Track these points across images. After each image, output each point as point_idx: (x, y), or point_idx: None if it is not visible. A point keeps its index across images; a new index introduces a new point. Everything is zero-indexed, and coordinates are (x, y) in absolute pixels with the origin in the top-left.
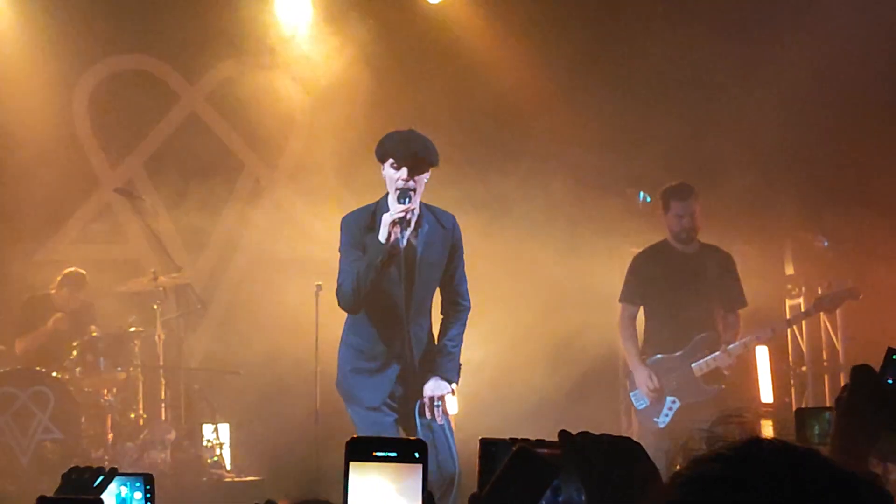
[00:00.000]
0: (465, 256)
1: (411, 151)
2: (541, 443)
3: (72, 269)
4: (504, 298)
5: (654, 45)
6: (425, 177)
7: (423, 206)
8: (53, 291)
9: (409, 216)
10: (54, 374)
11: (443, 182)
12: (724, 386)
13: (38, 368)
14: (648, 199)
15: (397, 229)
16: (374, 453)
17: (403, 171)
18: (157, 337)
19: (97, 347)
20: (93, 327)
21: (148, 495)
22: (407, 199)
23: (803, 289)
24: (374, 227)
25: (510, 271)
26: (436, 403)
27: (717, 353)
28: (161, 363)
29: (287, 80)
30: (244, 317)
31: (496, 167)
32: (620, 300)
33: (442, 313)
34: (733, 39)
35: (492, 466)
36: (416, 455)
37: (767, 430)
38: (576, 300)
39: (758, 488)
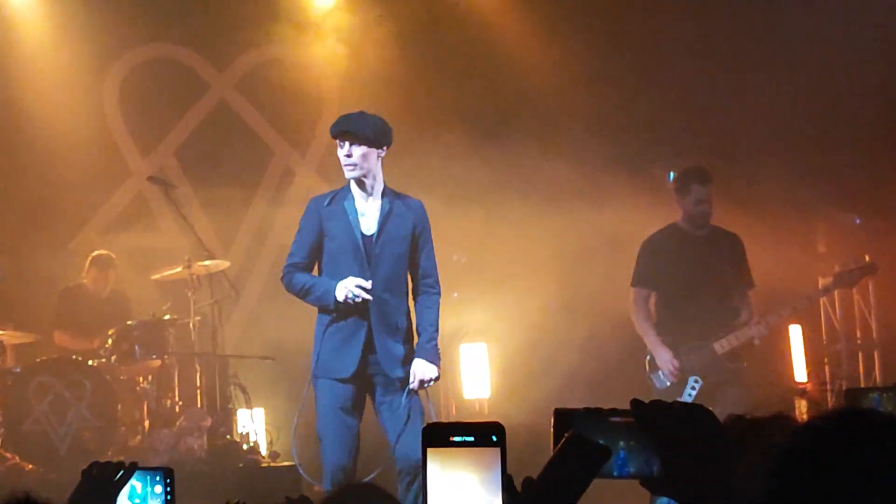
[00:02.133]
0: (495, 241)
1: (344, 126)
2: (614, 411)
3: (99, 251)
4: (531, 281)
5: (680, 22)
6: (369, 151)
7: (390, 190)
8: (85, 280)
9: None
10: (90, 362)
11: (469, 162)
12: (746, 363)
13: (74, 357)
14: None
15: (351, 297)
16: (452, 438)
17: (346, 147)
18: (191, 324)
19: (132, 336)
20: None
21: (168, 489)
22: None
23: (836, 267)
24: (333, 206)
25: (535, 254)
26: (426, 385)
27: (737, 331)
28: (196, 350)
29: (315, 66)
30: (277, 303)
31: (522, 147)
32: (632, 284)
33: (414, 299)
34: (763, 15)
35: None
36: (494, 438)
37: (802, 408)
38: (603, 281)
39: (864, 452)
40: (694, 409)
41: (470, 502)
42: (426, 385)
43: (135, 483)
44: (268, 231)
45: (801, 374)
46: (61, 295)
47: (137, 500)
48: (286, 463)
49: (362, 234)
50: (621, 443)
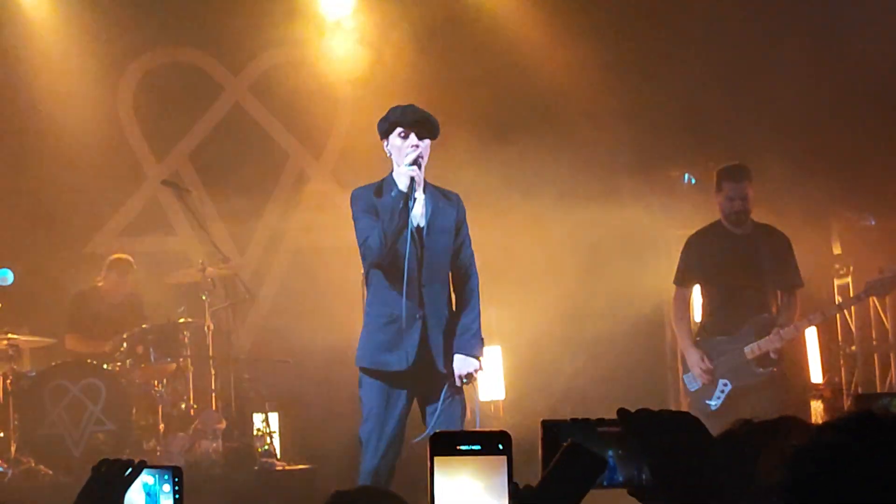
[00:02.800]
0: (505, 242)
1: (417, 117)
2: (601, 421)
3: (117, 255)
4: (548, 283)
5: (695, 24)
6: (429, 143)
7: (429, 184)
8: (101, 283)
9: (420, 180)
10: (105, 366)
11: (486, 164)
12: (775, 369)
13: (89, 361)
14: (693, 182)
15: (417, 174)
16: (458, 447)
17: (412, 138)
18: (206, 327)
19: (147, 339)
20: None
21: (176, 487)
22: (418, 166)
23: (851, 268)
24: (381, 195)
25: (552, 256)
26: (464, 381)
27: (768, 336)
28: (210, 353)
29: (330, 69)
30: (291, 306)
31: (535, 149)
32: (674, 282)
33: (455, 291)
34: (776, 13)
35: (554, 448)
36: (500, 447)
37: (818, 409)
38: (620, 283)
39: (879, 455)
40: (681, 416)
41: None
42: (466, 381)
43: (146, 478)
44: (283, 234)
45: (816, 375)
46: (75, 298)
47: (148, 495)
48: (301, 466)
49: (415, 225)
50: (610, 452)
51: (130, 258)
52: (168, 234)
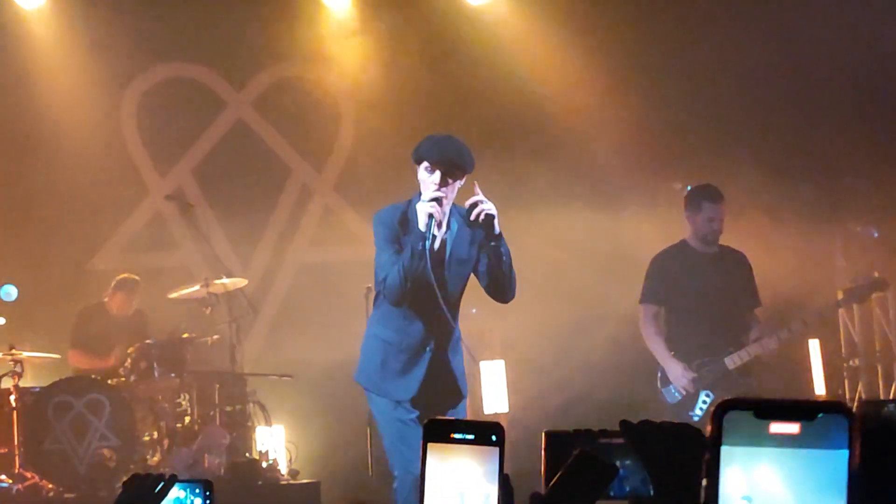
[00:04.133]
0: (513, 256)
1: (445, 156)
2: (603, 433)
3: (125, 274)
4: (549, 297)
5: (698, 35)
6: (458, 183)
7: (453, 207)
8: (106, 300)
9: (440, 216)
10: (109, 381)
11: (488, 177)
12: (755, 381)
13: (93, 376)
14: None
15: (437, 211)
16: (452, 435)
17: (437, 175)
18: (209, 342)
19: (151, 354)
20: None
21: (208, 501)
22: (437, 202)
23: (855, 279)
24: (407, 224)
25: (554, 269)
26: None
27: (748, 346)
28: (214, 368)
29: (332, 85)
30: (295, 321)
31: (538, 165)
32: (641, 301)
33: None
34: (777, 31)
35: (556, 459)
36: (494, 438)
37: None
38: (623, 295)
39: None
40: (683, 428)
41: (466, 492)
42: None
43: (177, 493)
44: (286, 249)
45: (819, 387)
46: (79, 315)
47: None
48: (306, 480)
49: (434, 259)
50: (616, 463)
51: (137, 277)
52: (171, 250)
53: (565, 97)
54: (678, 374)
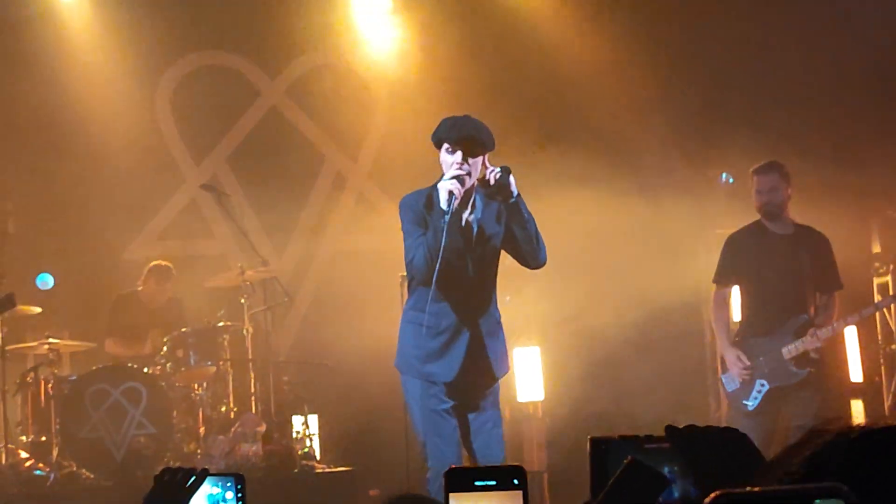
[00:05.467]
0: (548, 243)
1: (463, 134)
2: (649, 438)
3: (158, 261)
4: (585, 284)
5: (733, 17)
6: (480, 160)
7: (476, 187)
8: (140, 288)
9: (460, 193)
10: (146, 369)
11: (523, 165)
12: (812, 370)
13: (129, 364)
14: (731, 181)
15: (457, 188)
16: (474, 482)
17: (458, 155)
18: (245, 331)
19: (187, 342)
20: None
21: (239, 495)
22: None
23: (891, 266)
24: (432, 207)
25: (590, 257)
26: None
27: (805, 337)
28: (250, 356)
29: (365, 72)
30: (330, 308)
31: (573, 149)
32: (714, 281)
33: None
34: (815, 15)
35: (603, 465)
36: (516, 482)
37: (858, 408)
38: (659, 283)
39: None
40: (728, 433)
41: None
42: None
43: (211, 489)
44: (320, 237)
45: (856, 375)
46: (115, 303)
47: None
48: (341, 468)
49: (464, 237)
50: (665, 468)
51: (170, 265)
52: (207, 238)
53: (601, 81)
54: (732, 361)
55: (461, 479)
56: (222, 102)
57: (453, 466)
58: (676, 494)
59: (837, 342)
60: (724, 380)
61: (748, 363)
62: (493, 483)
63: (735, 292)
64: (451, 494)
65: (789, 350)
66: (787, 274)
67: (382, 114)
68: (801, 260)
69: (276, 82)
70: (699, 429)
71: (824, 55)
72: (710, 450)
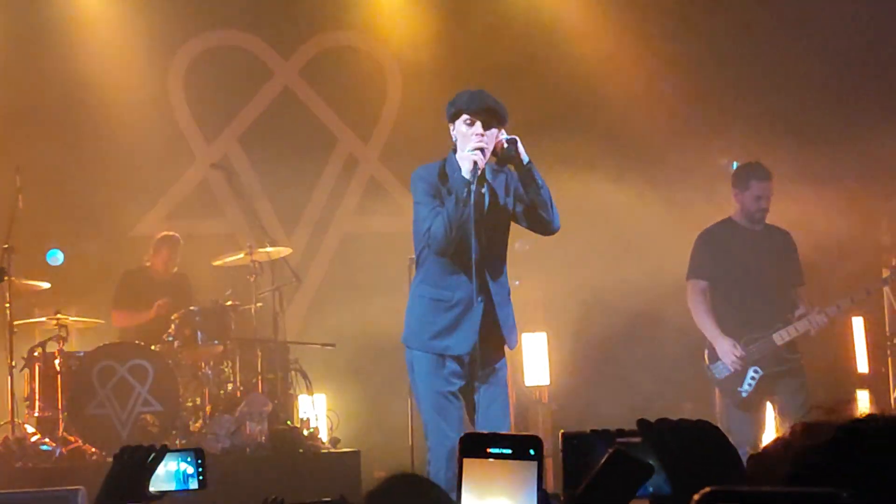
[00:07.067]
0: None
1: (484, 105)
2: (621, 432)
3: (165, 232)
4: (593, 270)
5: (747, 9)
6: (494, 133)
7: (488, 163)
8: (148, 264)
9: (483, 164)
10: (153, 347)
11: (533, 150)
12: (802, 356)
13: (136, 342)
14: None
15: (480, 159)
16: (488, 450)
17: (478, 126)
18: (253, 310)
19: (195, 321)
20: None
21: (200, 469)
22: (481, 151)
23: (893, 260)
24: (446, 179)
25: (598, 243)
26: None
27: (796, 322)
28: (257, 336)
29: (379, 54)
30: (338, 290)
31: (585, 137)
32: (688, 277)
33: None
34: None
35: (574, 460)
36: (532, 452)
37: (864, 399)
38: (666, 269)
39: (869, 454)
40: (701, 426)
41: None
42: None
43: (170, 463)
44: (330, 218)
45: (862, 365)
46: (123, 277)
47: (174, 478)
48: (346, 449)
49: (477, 207)
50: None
51: (178, 235)
52: (216, 217)
53: (611, 68)
54: (726, 350)
55: (475, 445)
56: (235, 82)
57: (470, 432)
58: (650, 490)
59: (845, 333)
60: (712, 369)
61: (743, 352)
62: (509, 452)
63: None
64: (464, 459)
65: (781, 336)
66: (760, 268)
67: (395, 96)
68: (771, 255)
69: (289, 63)
70: (671, 422)
71: (833, 42)
72: (682, 444)
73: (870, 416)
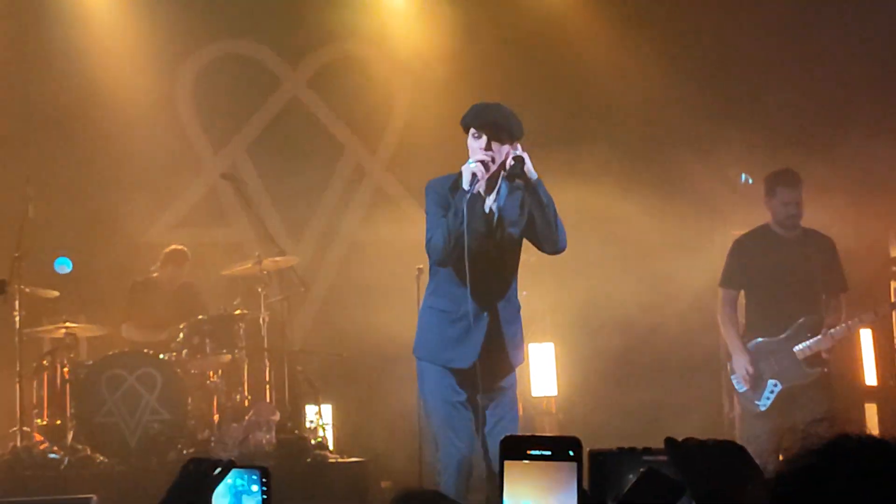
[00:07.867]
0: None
1: (490, 120)
2: (648, 450)
3: (173, 246)
4: (600, 281)
5: (759, 21)
6: (506, 148)
7: (502, 174)
8: (156, 274)
9: (482, 175)
10: (161, 356)
11: (545, 160)
12: (826, 369)
13: (145, 350)
14: (751, 181)
15: (480, 171)
16: (529, 451)
17: (483, 140)
18: (261, 319)
19: (203, 330)
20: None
21: (264, 489)
22: (483, 165)
23: None
24: (456, 191)
25: (605, 254)
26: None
27: (818, 336)
28: (265, 345)
29: (387, 64)
30: (346, 299)
31: (591, 145)
32: (721, 285)
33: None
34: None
35: (602, 477)
36: (571, 453)
37: (872, 412)
38: (674, 281)
39: (843, 479)
40: (727, 446)
41: None
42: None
43: (236, 481)
44: (337, 227)
45: (871, 378)
46: (132, 288)
47: (235, 495)
48: (353, 459)
49: (485, 221)
50: None
51: (185, 249)
52: (224, 226)
53: (623, 79)
54: (741, 367)
55: (516, 448)
56: (243, 91)
57: (511, 435)
58: None
59: (852, 345)
60: (734, 380)
61: (754, 371)
62: (549, 453)
63: (741, 295)
64: (505, 462)
65: (802, 350)
66: (797, 276)
67: (403, 106)
68: (809, 262)
69: (297, 72)
70: (697, 442)
71: (845, 54)
72: (708, 464)
73: (841, 438)
